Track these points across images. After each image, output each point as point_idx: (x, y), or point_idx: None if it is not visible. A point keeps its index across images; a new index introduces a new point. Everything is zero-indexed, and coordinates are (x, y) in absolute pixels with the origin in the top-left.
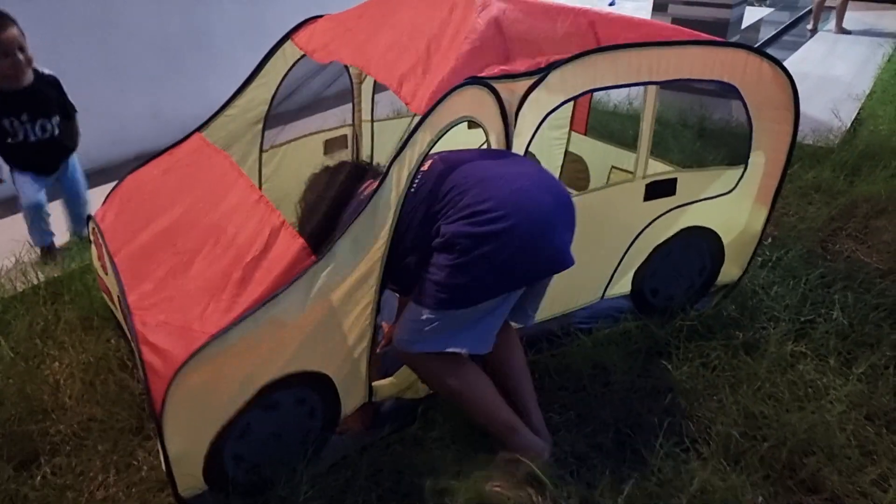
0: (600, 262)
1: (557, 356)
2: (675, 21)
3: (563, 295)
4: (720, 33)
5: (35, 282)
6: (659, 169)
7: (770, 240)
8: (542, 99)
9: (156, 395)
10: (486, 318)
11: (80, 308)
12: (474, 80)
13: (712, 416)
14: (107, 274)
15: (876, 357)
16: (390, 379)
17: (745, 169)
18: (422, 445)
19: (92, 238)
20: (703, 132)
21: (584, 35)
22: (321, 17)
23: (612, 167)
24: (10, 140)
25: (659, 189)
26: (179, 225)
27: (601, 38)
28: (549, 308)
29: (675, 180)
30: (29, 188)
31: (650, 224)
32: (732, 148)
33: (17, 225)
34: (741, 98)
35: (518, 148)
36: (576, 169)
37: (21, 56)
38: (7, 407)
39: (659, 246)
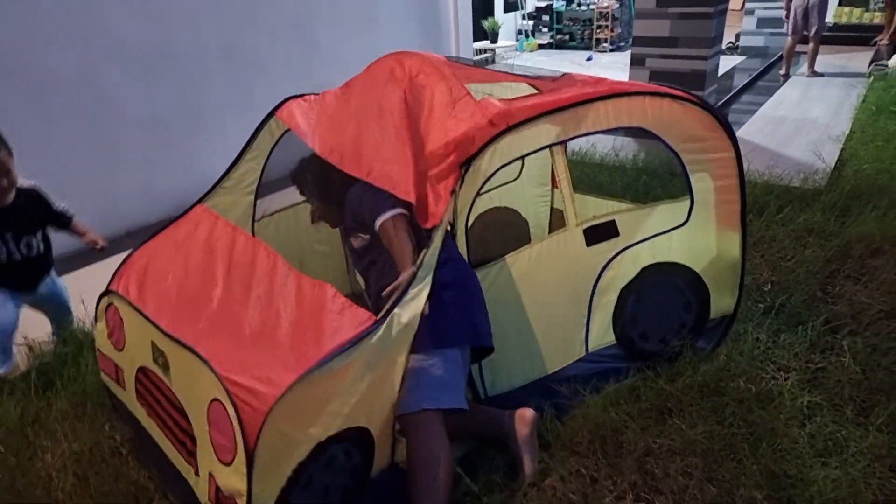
0: (567, 314)
1: (565, 421)
2: (654, 73)
3: (544, 353)
4: (698, 84)
5: (23, 370)
6: (604, 207)
7: (770, 285)
8: (467, 189)
9: (249, 429)
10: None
11: (72, 394)
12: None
13: (734, 478)
14: (121, 349)
15: (894, 405)
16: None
17: (692, 199)
18: None
19: (103, 316)
20: (647, 169)
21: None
22: (300, 96)
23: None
24: None
25: (599, 233)
26: (214, 292)
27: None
28: (532, 370)
29: (613, 222)
30: (3, 308)
31: (605, 268)
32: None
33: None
34: (654, 135)
35: (460, 213)
36: (561, 223)
37: (5, 181)
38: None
39: (625, 288)
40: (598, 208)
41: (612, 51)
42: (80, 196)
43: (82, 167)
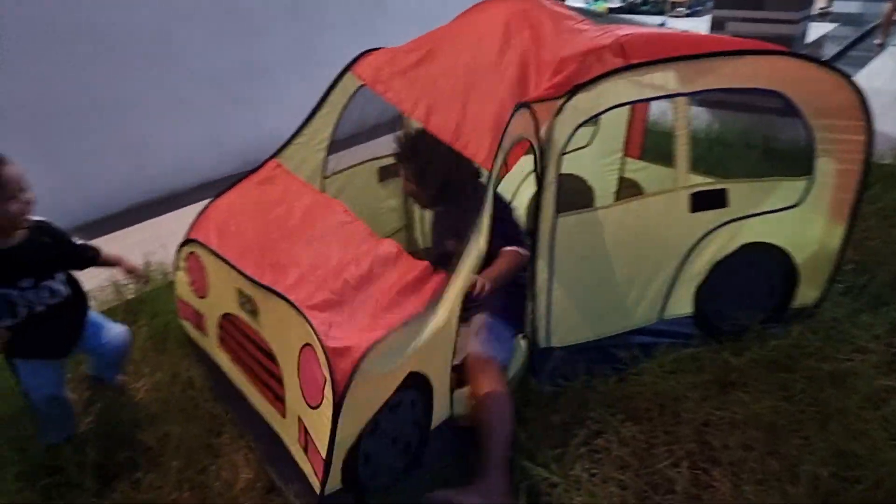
0: (649, 277)
1: (622, 385)
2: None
3: (613, 313)
4: None
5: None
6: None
7: (852, 266)
8: (566, 119)
9: (339, 376)
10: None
11: (153, 331)
12: (524, 104)
13: (798, 454)
14: (203, 297)
15: None
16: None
17: (812, 179)
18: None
19: (184, 265)
20: (770, 152)
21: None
22: (377, 49)
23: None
24: (9, 322)
25: (707, 200)
26: (290, 245)
27: (630, 57)
28: (601, 327)
29: (724, 191)
30: (38, 380)
31: (704, 238)
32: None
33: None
34: (791, 103)
35: (550, 159)
36: (632, 195)
37: (15, 206)
38: (93, 425)
39: (719, 263)
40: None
41: (688, 15)
42: (153, 149)
43: (157, 122)
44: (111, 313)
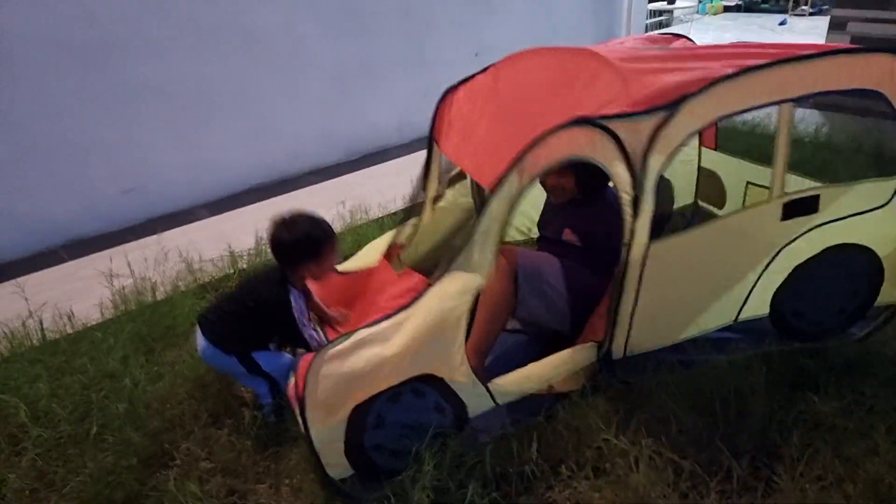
0: (733, 284)
1: (689, 377)
2: (855, 39)
3: (693, 317)
4: None
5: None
6: (799, 185)
7: None
8: (671, 135)
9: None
10: None
11: None
12: (581, 120)
13: (863, 456)
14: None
15: None
16: (508, 377)
17: None
18: (545, 440)
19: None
20: (882, 159)
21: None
22: (459, 85)
23: (748, 183)
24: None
25: (799, 207)
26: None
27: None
28: (680, 331)
29: (817, 197)
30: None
31: (790, 243)
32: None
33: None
34: (889, 104)
35: (649, 185)
36: (711, 185)
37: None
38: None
39: (801, 265)
40: (767, 179)
41: (812, 14)
42: (268, 137)
43: (275, 111)
44: (226, 279)
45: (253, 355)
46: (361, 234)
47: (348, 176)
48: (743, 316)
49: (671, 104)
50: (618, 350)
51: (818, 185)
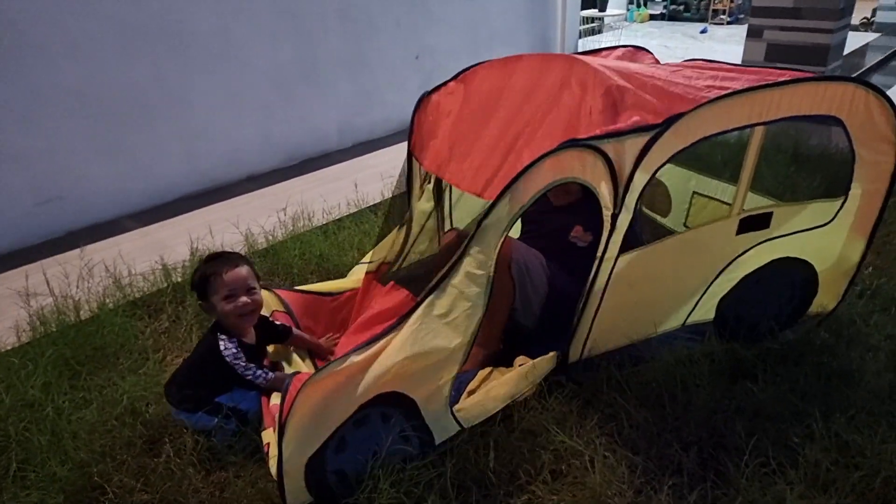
0: (686, 292)
1: (636, 373)
2: (771, 46)
3: (645, 322)
4: (819, 59)
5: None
6: (754, 201)
7: (870, 269)
8: (656, 154)
9: (287, 406)
10: None
11: (197, 310)
12: (573, 143)
13: (801, 441)
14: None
15: None
16: (472, 400)
17: (845, 201)
18: (502, 447)
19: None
20: (798, 158)
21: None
22: (432, 93)
23: (694, 192)
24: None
25: (753, 223)
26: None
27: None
28: (630, 334)
29: (770, 214)
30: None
31: (741, 255)
32: (828, 175)
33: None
34: (846, 131)
35: (630, 203)
36: (657, 193)
37: (249, 300)
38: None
39: (748, 275)
40: (713, 190)
41: (729, 23)
42: (206, 142)
43: (213, 115)
44: (159, 294)
45: (217, 400)
46: (305, 241)
47: (289, 182)
48: (690, 320)
49: (659, 124)
50: (574, 354)
51: (771, 202)
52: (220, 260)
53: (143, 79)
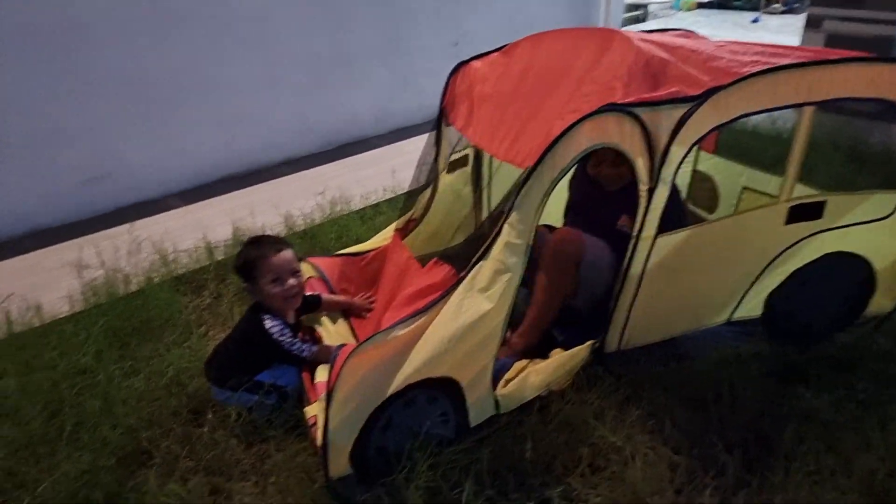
0: (731, 284)
1: (679, 370)
2: (830, 38)
3: (687, 315)
4: (882, 52)
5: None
6: (805, 193)
7: None
8: (693, 127)
9: (335, 372)
10: None
11: (238, 288)
12: (612, 107)
13: (855, 449)
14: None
15: None
16: (512, 386)
17: None
18: (538, 437)
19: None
20: (857, 156)
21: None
22: (472, 60)
23: (744, 188)
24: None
25: (803, 212)
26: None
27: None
28: (672, 327)
29: (822, 203)
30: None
31: (790, 247)
32: (891, 173)
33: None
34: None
35: (666, 177)
36: (704, 188)
37: (295, 281)
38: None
39: (798, 270)
40: (766, 185)
41: (783, 12)
42: (242, 126)
43: (251, 99)
44: (202, 272)
45: (257, 378)
46: (343, 225)
47: (325, 166)
48: (736, 315)
49: (697, 96)
50: (612, 344)
51: (820, 192)
52: (264, 244)
53: (184, 62)
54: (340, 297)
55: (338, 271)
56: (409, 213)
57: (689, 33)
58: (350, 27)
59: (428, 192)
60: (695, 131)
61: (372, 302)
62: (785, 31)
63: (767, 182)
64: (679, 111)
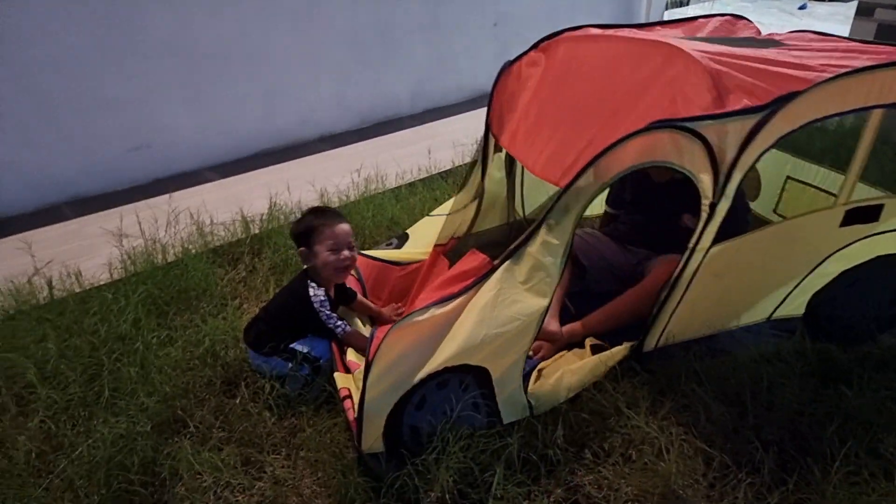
0: (775, 285)
1: (716, 365)
2: (882, 27)
3: (728, 312)
4: None
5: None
6: (862, 192)
7: None
8: (762, 139)
9: (374, 347)
10: None
11: (274, 263)
12: (662, 123)
13: None
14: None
15: None
16: (544, 385)
17: None
18: (569, 425)
19: None
20: None
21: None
22: (515, 61)
23: (788, 177)
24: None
25: (860, 215)
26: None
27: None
28: (712, 325)
29: (880, 207)
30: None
31: (840, 249)
32: None
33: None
34: None
35: (730, 192)
36: (746, 177)
37: (349, 254)
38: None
39: (847, 271)
40: (811, 176)
41: (833, 0)
42: (281, 100)
43: (290, 74)
44: (238, 245)
45: (291, 346)
46: (378, 203)
47: (361, 144)
48: (777, 314)
49: (766, 105)
50: (650, 344)
51: (881, 193)
52: (328, 213)
53: (228, 33)
54: (372, 304)
55: (374, 275)
56: (451, 232)
57: (736, 19)
58: (392, 3)
59: (471, 210)
60: (763, 141)
61: (400, 314)
62: (833, 19)
63: (815, 174)
64: (748, 123)
